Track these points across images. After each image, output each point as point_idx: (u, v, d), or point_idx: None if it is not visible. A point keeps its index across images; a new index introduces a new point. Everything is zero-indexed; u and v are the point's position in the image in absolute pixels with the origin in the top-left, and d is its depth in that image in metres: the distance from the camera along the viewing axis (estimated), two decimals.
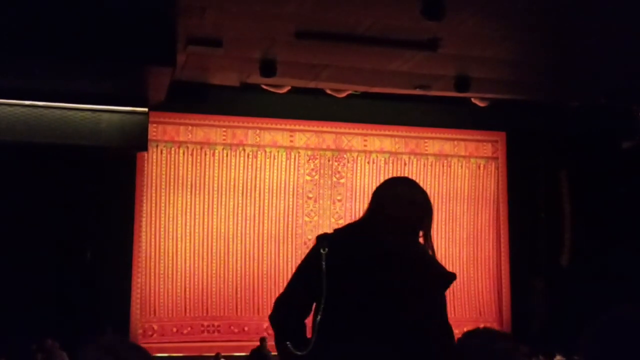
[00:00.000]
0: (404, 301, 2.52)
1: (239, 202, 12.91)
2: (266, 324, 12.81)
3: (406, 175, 13.65)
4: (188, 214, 12.68)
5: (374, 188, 2.77)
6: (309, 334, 2.62)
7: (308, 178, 13.30)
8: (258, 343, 11.84)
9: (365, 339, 2.49)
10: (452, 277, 2.65)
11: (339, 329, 2.54)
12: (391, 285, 2.53)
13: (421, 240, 2.76)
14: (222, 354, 11.58)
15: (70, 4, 8.26)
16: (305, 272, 2.67)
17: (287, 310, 2.67)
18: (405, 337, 2.46)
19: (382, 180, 2.85)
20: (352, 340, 2.51)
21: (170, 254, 12.55)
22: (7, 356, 10.33)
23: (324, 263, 2.55)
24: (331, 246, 2.58)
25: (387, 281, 2.53)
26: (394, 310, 2.51)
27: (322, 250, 2.57)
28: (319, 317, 2.57)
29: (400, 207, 2.63)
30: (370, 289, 2.53)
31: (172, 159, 12.72)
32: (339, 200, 13.42)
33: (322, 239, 2.63)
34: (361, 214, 2.79)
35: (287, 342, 2.60)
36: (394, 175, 13.57)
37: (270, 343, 11.62)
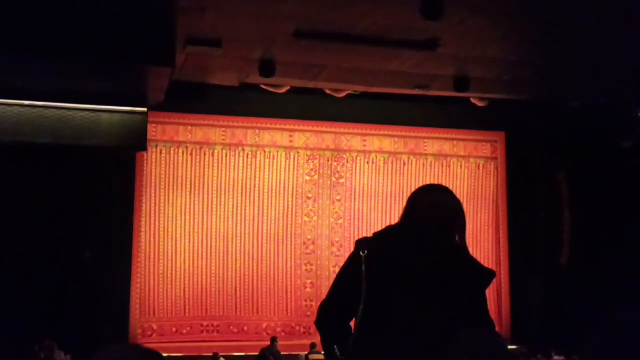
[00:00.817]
0: (447, 301, 2.58)
1: (238, 202, 12.92)
2: (265, 323, 12.85)
3: (406, 175, 13.69)
4: (187, 214, 12.68)
5: (409, 195, 2.83)
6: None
7: (307, 178, 13.31)
8: (257, 343, 11.87)
9: (407, 339, 2.52)
10: (492, 275, 2.73)
11: (382, 330, 2.59)
12: (434, 286, 2.59)
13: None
14: (222, 354, 11.58)
15: (69, 5, 8.26)
16: (346, 276, 2.73)
17: (331, 314, 2.73)
18: (448, 337, 2.49)
19: (417, 187, 2.91)
20: (395, 342, 2.54)
21: (170, 254, 12.56)
22: (7, 357, 10.33)
23: (363, 266, 2.61)
24: (370, 249, 2.64)
25: (429, 282, 2.59)
26: (437, 310, 2.56)
27: (361, 253, 2.63)
28: (360, 319, 2.63)
29: (436, 214, 2.67)
30: (412, 290, 2.58)
31: (172, 159, 12.73)
32: (339, 200, 13.43)
33: (361, 242, 2.70)
34: (396, 219, 2.84)
35: (334, 346, 2.66)
36: (394, 174, 13.59)
37: (281, 343, 11.67)
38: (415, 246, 2.64)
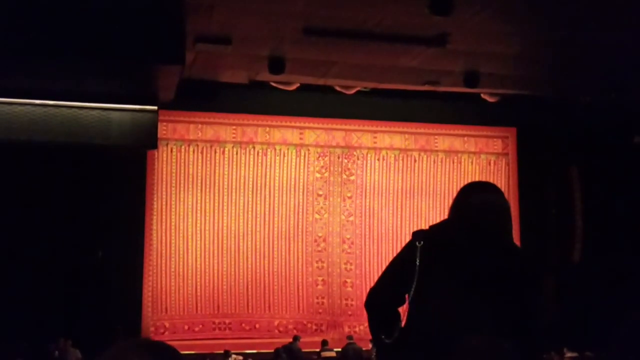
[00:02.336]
0: (498, 297, 2.63)
1: (249, 199, 12.94)
2: (277, 321, 12.86)
3: (416, 171, 13.66)
4: (198, 211, 12.72)
5: (455, 193, 2.92)
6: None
7: (318, 175, 13.31)
8: (269, 340, 11.91)
9: (455, 332, 2.57)
10: (543, 269, 2.84)
11: (431, 321, 2.65)
12: (486, 281, 2.64)
13: None
14: (233, 352, 11.61)
15: (79, 4, 8.30)
16: (399, 264, 2.80)
17: (380, 299, 2.81)
18: (496, 329, 2.53)
19: (463, 186, 2.98)
20: (443, 331, 2.59)
21: (181, 252, 12.60)
22: (22, 355, 10.41)
23: (418, 256, 2.68)
24: (426, 241, 2.71)
25: (482, 277, 2.64)
26: (487, 302, 2.60)
27: (417, 244, 2.70)
28: (411, 307, 2.71)
29: (487, 213, 2.75)
30: (465, 284, 2.64)
31: (182, 157, 12.76)
32: (349, 197, 13.42)
33: (418, 233, 2.77)
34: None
35: (380, 330, 2.74)
36: (404, 171, 13.56)
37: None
38: (470, 242, 2.71)
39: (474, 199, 2.78)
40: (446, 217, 2.87)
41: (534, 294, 2.74)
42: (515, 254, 2.80)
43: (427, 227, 2.83)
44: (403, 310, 2.77)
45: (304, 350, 11.82)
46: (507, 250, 2.77)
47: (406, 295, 2.73)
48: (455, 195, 2.87)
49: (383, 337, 2.72)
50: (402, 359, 2.72)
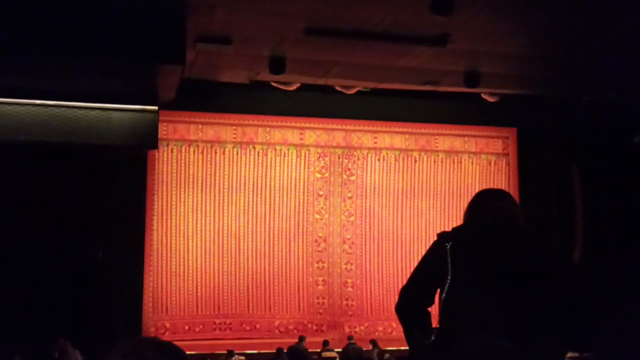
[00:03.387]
0: (527, 291, 2.68)
1: (249, 200, 12.93)
2: (277, 321, 12.86)
3: (417, 171, 13.65)
4: (199, 212, 12.71)
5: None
6: (434, 323, 2.81)
7: (318, 175, 13.30)
8: (269, 340, 11.89)
9: (490, 327, 2.61)
10: (569, 263, 2.91)
11: (463, 318, 2.70)
12: (514, 275, 2.69)
13: None
14: (235, 352, 11.60)
15: (79, 3, 8.30)
16: (429, 265, 2.86)
17: (411, 300, 2.87)
18: (529, 327, 2.62)
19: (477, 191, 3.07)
20: (476, 329, 2.63)
21: (182, 252, 12.59)
22: (22, 354, 10.39)
23: (449, 256, 2.75)
24: (454, 242, 2.79)
25: (511, 277, 2.69)
26: (518, 299, 2.66)
27: (446, 244, 2.77)
28: (443, 307, 2.76)
29: (504, 215, 2.86)
30: (493, 279, 2.69)
31: (183, 157, 12.76)
32: (350, 198, 13.41)
33: (444, 235, 2.85)
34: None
35: (415, 331, 2.79)
36: (405, 171, 13.56)
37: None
38: (496, 241, 2.78)
39: (492, 205, 2.90)
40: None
41: (560, 290, 2.82)
42: (543, 252, 2.87)
43: (449, 229, 2.92)
44: (432, 310, 2.83)
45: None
46: (533, 248, 2.84)
47: (436, 296, 2.79)
48: (470, 200, 2.96)
49: (422, 338, 2.76)
50: (440, 358, 2.76)
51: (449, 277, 2.73)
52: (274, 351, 11.59)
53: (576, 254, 13.35)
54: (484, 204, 2.92)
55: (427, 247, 2.92)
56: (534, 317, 2.65)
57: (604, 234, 12.73)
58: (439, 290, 2.78)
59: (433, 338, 2.74)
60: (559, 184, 13.66)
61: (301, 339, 11.70)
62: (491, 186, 13.80)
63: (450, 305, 2.74)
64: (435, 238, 2.87)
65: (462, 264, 2.74)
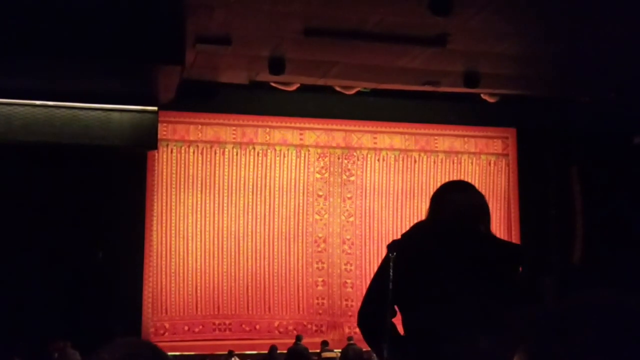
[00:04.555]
0: (482, 285, 2.66)
1: (249, 200, 12.94)
2: (277, 321, 12.86)
3: (416, 172, 13.65)
4: (198, 212, 12.72)
5: (432, 193, 2.94)
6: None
7: (318, 176, 13.31)
8: (269, 341, 11.88)
9: (451, 330, 2.59)
10: (519, 249, 2.93)
11: (423, 325, 2.71)
12: (464, 274, 2.68)
13: None
14: (235, 352, 11.60)
15: (79, 5, 8.31)
16: (379, 279, 2.86)
17: (369, 316, 2.86)
18: (491, 319, 2.57)
19: (436, 184, 3.02)
20: (439, 333, 2.62)
21: (181, 253, 12.59)
22: (21, 355, 10.39)
23: (391, 267, 2.75)
24: (400, 250, 2.78)
25: (458, 272, 2.68)
26: (475, 295, 2.63)
27: (390, 255, 2.78)
28: (402, 317, 2.77)
29: (460, 211, 2.80)
30: (444, 282, 2.68)
31: (182, 158, 12.76)
32: (349, 198, 13.42)
33: (391, 245, 2.85)
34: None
35: (379, 346, 2.76)
36: (404, 172, 13.56)
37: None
38: (441, 241, 2.76)
39: (444, 199, 2.84)
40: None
41: (513, 275, 2.77)
42: (492, 243, 2.83)
43: (399, 237, 2.90)
44: (397, 321, 2.81)
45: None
46: (483, 241, 2.79)
47: (396, 307, 2.77)
48: (432, 195, 2.92)
49: (384, 354, 2.74)
50: None
51: (393, 289, 2.71)
52: (268, 350, 11.58)
53: (575, 254, 13.35)
54: (441, 199, 2.87)
55: None
56: (486, 310, 2.59)
57: (603, 234, 12.73)
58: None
59: (390, 354, 2.71)
60: (558, 184, 13.66)
61: (298, 338, 11.68)
62: (491, 187, 13.82)
63: (404, 316, 2.75)
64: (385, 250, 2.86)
65: (407, 271, 2.72)
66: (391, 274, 2.72)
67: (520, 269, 2.80)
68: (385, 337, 2.74)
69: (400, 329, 2.84)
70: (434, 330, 2.64)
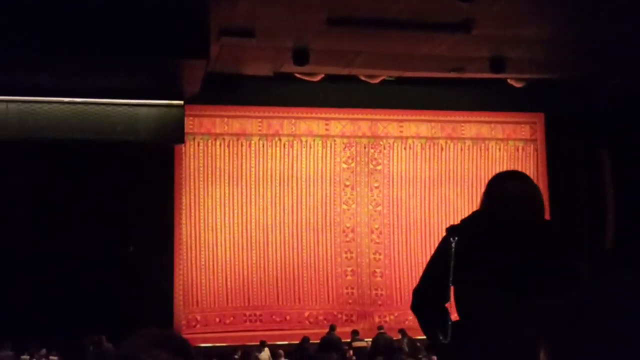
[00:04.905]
0: (536, 279, 2.63)
1: (276, 192, 12.97)
2: (307, 312, 12.90)
3: (443, 159, 13.56)
4: (227, 205, 12.79)
5: (484, 181, 2.94)
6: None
7: (345, 166, 13.29)
8: (300, 331, 11.92)
9: (502, 320, 2.58)
10: (577, 244, 2.85)
11: (478, 312, 2.68)
12: (524, 264, 2.66)
13: None
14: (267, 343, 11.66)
15: (103, 2, 8.37)
16: (437, 262, 2.84)
17: (424, 299, 2.85)
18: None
19: (494, 174, 2.99)
20: (494, 322, 2.60)
21: (211, 246, 12.68)
22: (57, 350, 10.57)
23: (453, 251, 2.72)
24: (460, 235, 2.75)
25: (516, 263, 2.66)
26: (531, 288, 2.60)
27: (451, 239, 2.74)
28: (457, 302, 2.74)
29: (515, 201, 2.78)
30: (504, 270, 2.66)
31: (209, 151, 12.83)
32: (376, 187, 13.38)
33: (451, 229, 2.81)
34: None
35: (434, 329, 2.75)
36: (431, 160, 13.48)
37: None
38: (500, 231, 2.74)
39: (506, 188, 2.81)
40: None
41: (569, 264, 2.75)
42: (549, 233, 2.81)
43: (458, 222, 2.87)
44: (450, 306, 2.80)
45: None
46: (540, 231, 2.78)
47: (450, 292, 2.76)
48: (486, 184, 2.89)
49: (440, 337, 2.72)
50: (462, 355, 2.73)
51: (453, 274, 2.70)
52: (300, 340, 11.62)
53: (607, 239, 13.17)
54: (494, 189, 2.85)
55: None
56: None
57: (635, 218, 12.53)
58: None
59: (449, 338, 2.70)
60: (588, 169, 13.47)
61: (332, 328, 11.73)
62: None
63: (461, 301, 2.73)
64: (444, 233, 2.84)
65: (467, 257, 2.71)
66: (453, 257, 2.71)
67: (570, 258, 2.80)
68: (441, 322, 2.74)
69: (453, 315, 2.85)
70: (490, 319, 2.64)
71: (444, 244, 2.79)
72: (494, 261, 2.68)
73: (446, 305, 2.76)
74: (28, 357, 10.32)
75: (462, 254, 2.71)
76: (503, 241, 2.71)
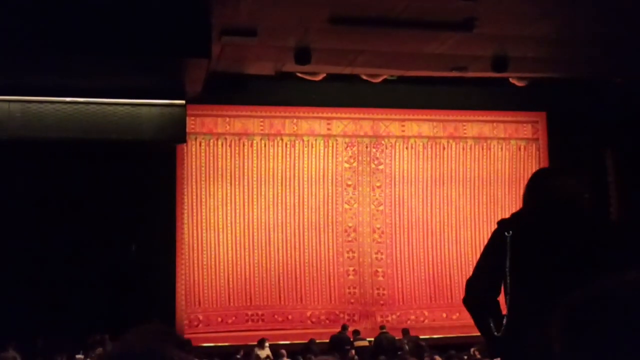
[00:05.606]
0: (590, 274, 2.61)
1: (278, 191, 12.96)
2: (309, 311, 12.89)
3: (445, 159, 13.55)
4: (228, 205, 12.78)
5: (527, 180, 2.94)
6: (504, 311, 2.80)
7: (347, 165, 13.28)
8: (302, 331, 11.92)
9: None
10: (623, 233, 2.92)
11: (530, 307, 2.68)
12: (576, 260, 2.66)
13: None
14: (267, 340, 11.64)
15: (104, 1, 8.36)
16: (489, 255, 2.85)
17: (476, 292, 2.86)
18: None
19: (535, 170, 3.00)
20: (542, 317, 2.59)
21: (213, 245, 12.67)
22: (65, 351, 10.56)
23: (508, 244, 2.73)
24: (514, 230, 2.76)
25: (572, 257, 2.67)
26: (581, 284, 2.58)
27: (506, 234, 2.75)
28: (510, 297, 2.75)
29: (562, 197, 2.81)
30: (557, 266, 2.67)
31: (211, 150, 12.82)
32: (379, 187, 13.37)
33: (504, 223, 2.83)
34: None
35: (488, 322, 2.76)
36: (433, 159, 13.47)
37: (325, 330, 11.71)
38: (552, 226, 2.75)
39: (552, 183, 2.84)
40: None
41: (622, 258, 2.78)
42: (599, 228, 2.86)
43: (508, 216, 2.89)
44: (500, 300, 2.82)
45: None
46: (591, 226, 2.81)
47: (502, 286, 2.78)
48: (527, 181, 2.92)
49: (493, 330, 2.74)
50: (515, 348, 2.74)
51: (508, 267, 2.71)
52: (307, 341, 11.63)
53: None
54: (542, 185, 2.87)
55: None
56: None
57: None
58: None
59: (501, 331, 2.72)
60: (591, 168, 13.43)
61: (344, 327, 11.81)
62: (521, 172, 13.65)
63: (513, 295, 2.74)
64: (495, 226, 2.85)
65: (521, 253, 2.72)
66: (508, 251, 2.72)
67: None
68: (494, 315, 2.76)
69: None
70: (540, 315, 2.65)
71: (497, 238, 2.80)
72: (549, 256, 2.70)
73: (497, 298, 2.79)
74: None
75: (517, 248, 2.72)
76: (557, 236, 2.72)
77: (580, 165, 13.46)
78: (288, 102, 12.79)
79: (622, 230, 2.98)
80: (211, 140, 12.85)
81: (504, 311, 2.79)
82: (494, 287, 2.78)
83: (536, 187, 2.87)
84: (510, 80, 12.17)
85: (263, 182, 12.93)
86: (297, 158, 13.09)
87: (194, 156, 12.74)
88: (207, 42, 8.89)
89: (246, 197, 12.85)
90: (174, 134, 10.88)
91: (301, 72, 11.37)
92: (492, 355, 2.95)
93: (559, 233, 2.73)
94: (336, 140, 13.26)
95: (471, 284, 2.88)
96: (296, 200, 13.02)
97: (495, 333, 2.73)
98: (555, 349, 0.93)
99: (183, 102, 10.59)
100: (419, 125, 13.51)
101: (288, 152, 13.06)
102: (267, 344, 11.36)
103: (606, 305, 0.91)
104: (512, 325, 2.73)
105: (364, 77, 12.00)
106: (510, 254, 2.72)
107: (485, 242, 2.89)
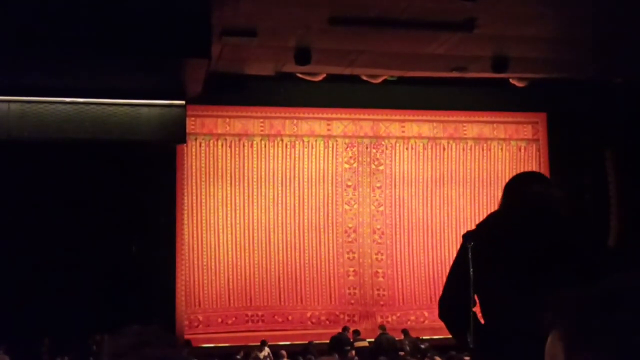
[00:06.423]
0: (559, 276, 2.62)
1: (278, 192, 12.96)
2: (309, 312, 12.88)
3: (445, 159, 13.54)
4: (228, 205, 12.78)
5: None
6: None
7: (347, 166, 13.27)
8: (302, 332, 11.91)
9: (524, 321, 2.58)
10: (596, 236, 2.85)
11: (501, 315, 2.71)
12: (540, 265, 2.66)
13: None
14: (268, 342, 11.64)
15: (103, 1, 8.36)
16: (457, 269, 2.87)
17: (449, 308, 2.88)
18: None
19: (512, 176, 3.03)
20: (515, 324, 2.60)
21: (213, 246, 12.67)
22: (64, 351, 10.55)
23: (471, 257, 2.74)
24: (476, 240, 2.77)
25: (535, 263, 2.66)
26: (551, 283, 2.58)
27: (467, 245, 2.76)
28: (481, 307, 2.78)
29: (533, 203, 2.81)
30: (522, 273, 2.67)
31: (211, 151, 12.82)
32: (379, 188, 13.36)
33: (467, 235, 2.83)
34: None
35: (462, 335, 2.78)
36: (433, 160, 13.46)
37: (325, 331, 11.72)
38: (517, 232, 2.75)
39: (523, 187, 2.85)
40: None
41: (592, 256, 2.76)
42: (567, 228, 2.83)
43: (474, 227, 2.89)
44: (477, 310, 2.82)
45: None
46: (559, 230, 2.78)
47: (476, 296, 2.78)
48: (504, 187, 2.92)
49: (468, 342, 2.75)
50: (491, 358, 2.76)
51: (472, 278, 2.72)
52: (307, 342, 11.62)
53: (611, 242, 13.12)
54: (516, 190, 2.88)
55: (457, 238, 2.92)
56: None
57: None
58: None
59: (477, 342, 2.72)
60: (592, 169, 13.43)
61: (345, 328, 11.84)
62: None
63: (483, 305, 2.76)
64: (461, 240, 2.85)
65: (485, 261, 2.72)
66: (471, 263, 2.72)
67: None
68: (469, 327, 2.75)
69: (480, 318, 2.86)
70: (513, 322, 2.63)
71: (461, 251, 2.82)
72: (510, 260, 2.69)
73: (473, 309, 2.78)
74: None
75: (479, 258, 2.72)
76: (518, 240, 2.71)
77: (580, 165, 13.48)
78: (288, 103, 12.80)
79: (600, 233, 2.98)
80: (211, 141, 12.85)
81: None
82: (463, 301, 2.76)
83: (507, 191, 2.88)
84: (511, 80, 12.16)
85: (263, 183, 12.93)
86: (297, 159, 13.08)
87: (194, 157, 12.74)
88: (207, 42, 8.87)
89: (246, 197, 12.85)
90: (174, 135, 10.86)
91: (301, 73, 11.36)
92: None
93: (518, 237, 2.72)
94: (336, 140, 13.26)
95: (442, 300, 2.91)
96: (296, 201, 13.02)
97: (471, 345, 2.73)
98: (558, 355, 0.92)
99: (183, 102, 10.58)
100: (419, 125, 13.51)
101: (288, 153, 13.06)
102: (266, 348, 11.36)
103: (615, 307, 0.90)
104: (486, 335, 2.73)
105: (364, 78, 11.99)
106: (473, 266, 2.71)
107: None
